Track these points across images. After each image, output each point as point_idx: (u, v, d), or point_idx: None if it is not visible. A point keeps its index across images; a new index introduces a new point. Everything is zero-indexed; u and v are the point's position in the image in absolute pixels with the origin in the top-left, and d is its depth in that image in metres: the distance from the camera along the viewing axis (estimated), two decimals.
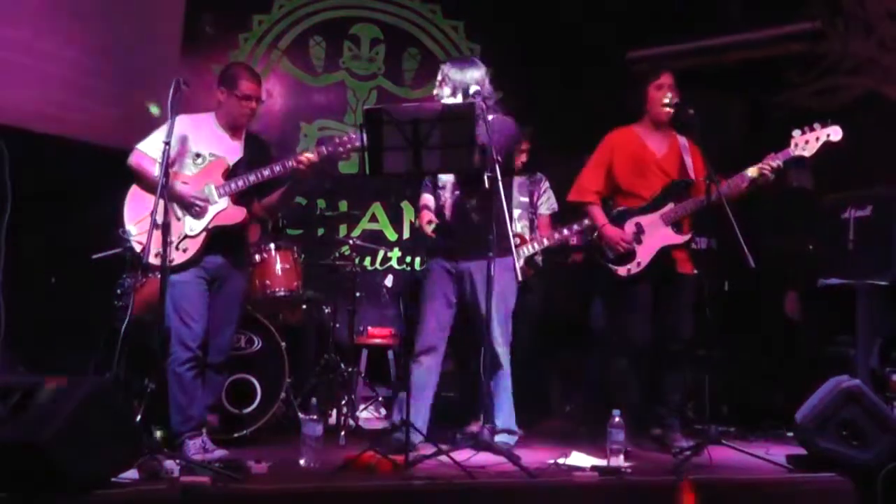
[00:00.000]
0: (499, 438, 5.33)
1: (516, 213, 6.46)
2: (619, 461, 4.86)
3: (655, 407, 5.95)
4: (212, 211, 5.30)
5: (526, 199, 6.66)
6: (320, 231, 7.87)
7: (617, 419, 4.92)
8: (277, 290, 6.52)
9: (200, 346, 5.21)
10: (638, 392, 5.94)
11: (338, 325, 7.02)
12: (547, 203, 6.73)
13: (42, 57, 6.64)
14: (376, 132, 4.91)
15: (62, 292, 6.58)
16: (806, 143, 5.54)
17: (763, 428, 6.52)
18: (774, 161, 5.59)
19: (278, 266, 6.56)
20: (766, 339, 7.17)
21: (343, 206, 7.96)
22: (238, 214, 5.34)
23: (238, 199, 5.36)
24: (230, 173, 5.37)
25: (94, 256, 6.22)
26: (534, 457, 5.26)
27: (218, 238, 5.32)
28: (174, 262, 5.14)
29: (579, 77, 8.37)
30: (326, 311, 7.12)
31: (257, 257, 6.51)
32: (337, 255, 7.13)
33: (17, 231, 6.07)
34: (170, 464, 4.40)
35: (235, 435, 5.85)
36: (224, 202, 5.32)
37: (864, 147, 5.98)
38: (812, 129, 5.54)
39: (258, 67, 8.15)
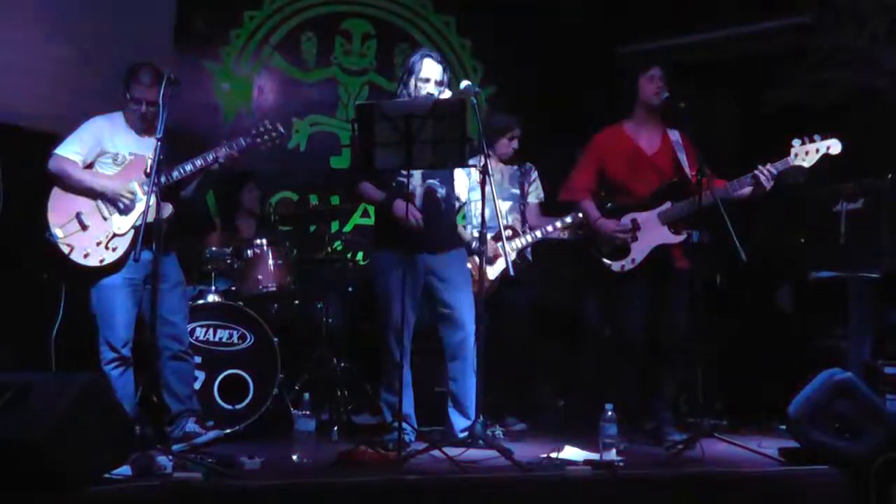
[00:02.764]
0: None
1: (507, 204, 6.47)
2: (612, 455, 4.86)
3: (649, 401, 5.96)
4: (138, 208, 5.33)
5: (517, 191, 6.66)
6: (312, 227, 7.87)
7: (610, 413, 4.93)
8: (269, 285, 6.53)
9: (125, 346, 5.31)
10: (631, 386, 5.94)
11: (330, 321, 7.01)
12: (535, 192, 6.73)
13: (32, 53, 6.62)
14: (368, 127, 4.91)
15: (54, 289, 6.55)
16: (806, 153, 5.55)
17: (755, 421, 6.53)
18: (773, 169, 5.59)
19: (270, 262, 6.56)
20: (758, 332, 7.18)
21: (335, 200, 7.95)
22: (164, 210, 5.33)
23: (163, 194, 5.36)
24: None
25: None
26: (527, 451, 5.26)
27: (147, 234, 5.33)
28: (105, 262, 5.21)
29: (572, 72, 8.36)
30: (319, 306, 7.11)
31: (249, 253, 6.52)
32: (329, 250, 7.13)
33: (9, 228, 6.06)
34: (162, 460, 4.39)
35: (228, 431, 5.85)
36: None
37: (856, 141, 5.98)
38: (812, 140, 5.55)
39: (249, 63, 8.18)
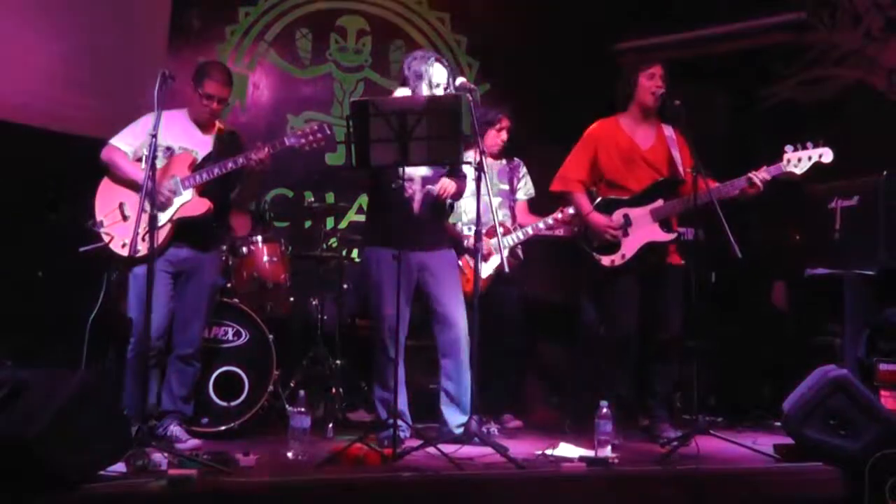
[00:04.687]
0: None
1: (496, 200, 6.43)
2: (607, 452, 4.87)
3: (644, 398, 5.96)
4: (177, 202, 5.44)
5: (506, 187, 6.64)
6: (307, 223, 7.86)
7: (605, 410, 4.93)
8: (265, 282, 6.52)
9: (160, 338, 5.35)
10: (626, 383, 5.95)
11: (325, 318, 7.01)
12: (525, 189, 6.73)
13: (28, 49, 6.61)
14: (363, 124, 4.90)
15: (50, 286, 6.56)
16: (798, 160, 5.61)
17: (751, 418, 6.54)
18: (766, 174, 5.62)
19: (265, 258, 6.56)
20: (754, 329, 7.18)
21: (330, 197, 7.94)
22: (202, 206, 5.46)
23: (203, 191, 5.45)
24: (198, 166, 5.47)
25: (82, 249, 6.19)
26: (522, 448, 5.27)
27: (184, 229, 5.46)
28: (140, 253, 5.20)
29: (567, 69, 8.35)
30: (314, 303, 7.10)
31: (244, 249, 6.52)
32: (325, 247, 7.12)
33: (4, 224, 6.06)
34: (158, 457, 4.39)
35: (223, 428, 5.84)
36: (189, 194, 5.44)
37: (851, 137, 5.99)
38: (805, 148, 5.62)
39: (245, 60, 8.17)
